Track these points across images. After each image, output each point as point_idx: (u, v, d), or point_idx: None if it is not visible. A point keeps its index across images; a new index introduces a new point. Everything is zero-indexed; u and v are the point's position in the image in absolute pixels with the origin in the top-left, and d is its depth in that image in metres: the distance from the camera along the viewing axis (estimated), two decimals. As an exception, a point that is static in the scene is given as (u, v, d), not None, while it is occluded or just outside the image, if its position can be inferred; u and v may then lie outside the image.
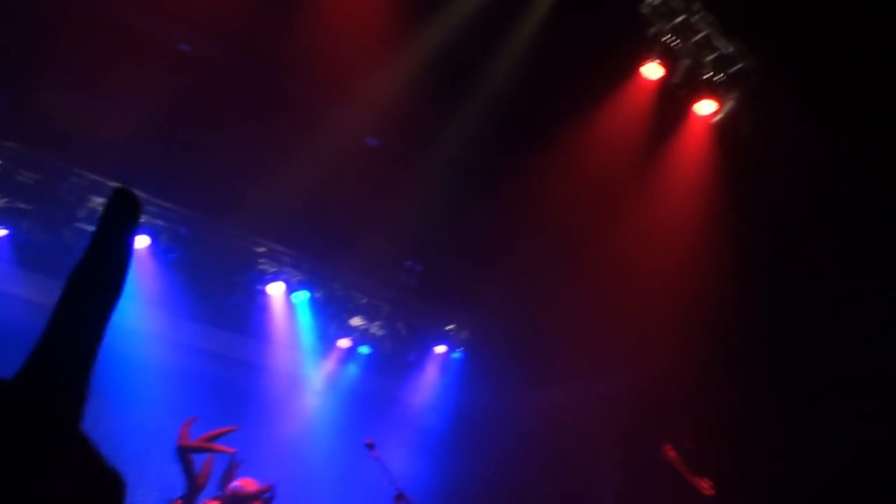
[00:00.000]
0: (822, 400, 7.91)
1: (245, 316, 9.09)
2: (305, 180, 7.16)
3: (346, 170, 7.43)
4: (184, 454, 4.79)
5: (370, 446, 5.25)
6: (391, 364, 10.30)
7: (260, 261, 8.83)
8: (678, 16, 6.62)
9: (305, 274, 9.09)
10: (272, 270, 8.91)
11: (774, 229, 7.32)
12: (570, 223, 7.58)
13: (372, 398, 10.28)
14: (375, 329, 9.91)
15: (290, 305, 9.29)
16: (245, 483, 5.16)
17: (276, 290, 9.05)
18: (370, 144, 7.48)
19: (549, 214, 7.59)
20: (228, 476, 5.16)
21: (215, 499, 5.04)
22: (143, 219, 7.90)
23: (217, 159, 7.10)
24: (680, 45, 6.77)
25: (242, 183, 7.22)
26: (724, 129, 7.20)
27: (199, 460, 4.91)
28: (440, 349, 10.50)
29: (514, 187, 7.56)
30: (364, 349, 10.05)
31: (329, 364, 10.06)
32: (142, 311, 8.31)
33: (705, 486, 8.57)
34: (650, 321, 7.77)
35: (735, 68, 6.91)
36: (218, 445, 4.92)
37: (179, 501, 4.52)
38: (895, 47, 6.52)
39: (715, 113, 7.14)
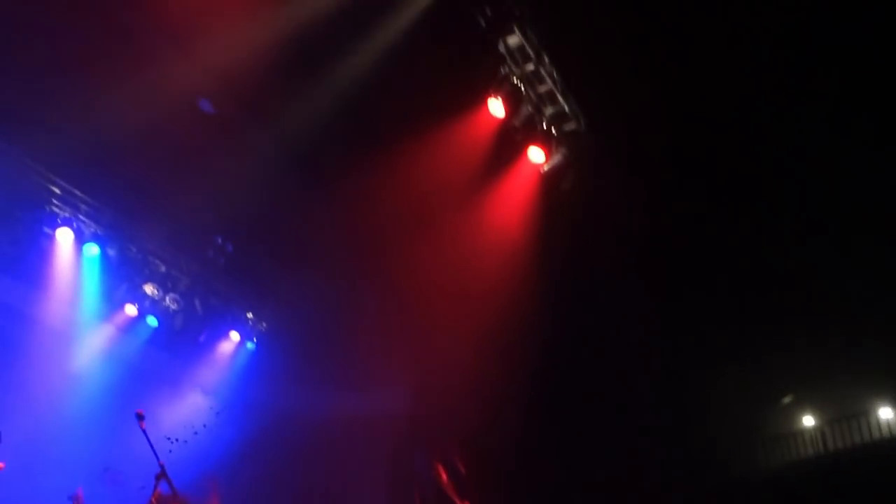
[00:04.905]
0: (596, 438, 8.57)
1: (23, 258, 8.22)
2: (122, 126, 6.63)
3: (170, 127, 6.98)
4: None
5: (140, 417, 5.09)
6: (179, 341, 9.77)
7: (53, 201, 8.05)
8: (529, 63, 6.97)
9: (102, 227, 8.40)
10: (64, 215, 8.14)
11: (578, 277, 7.88)
12: (388, 234, 7.67)
13: (151, 372, 9.67)
14: (169, 301, 9.35)
15: (79, 258, 8.54)
16: None
17: (65, 237, 8.28)
18: (203, 109, 7.09)
19: (369, 221, 7.63)
20: None
21: None
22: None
23: (21, 76, 6.36)
24: (526, 91, 7.12)
25: (48, 111, 6.53)
26: (548, 179, 7.64)
27: None
28: (235, 336, 10.12)
29: (343, 187, 7.53)
30: (152, 320, 9.44)
31: (110, 329, 9.33)
32: None
33: (466, 510, 8.93)
34: (442, 343, 8.01)
35: (568, 127, 7.38)
36: None
37: None
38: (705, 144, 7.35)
39: (543, 163, 7.57)
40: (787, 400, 12.47)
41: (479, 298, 7.80)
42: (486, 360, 7.86)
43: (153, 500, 4.90)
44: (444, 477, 9.14)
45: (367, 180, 7.24)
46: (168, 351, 9.80)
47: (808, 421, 12.73)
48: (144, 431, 5.07)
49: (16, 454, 4.96)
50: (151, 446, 4.99)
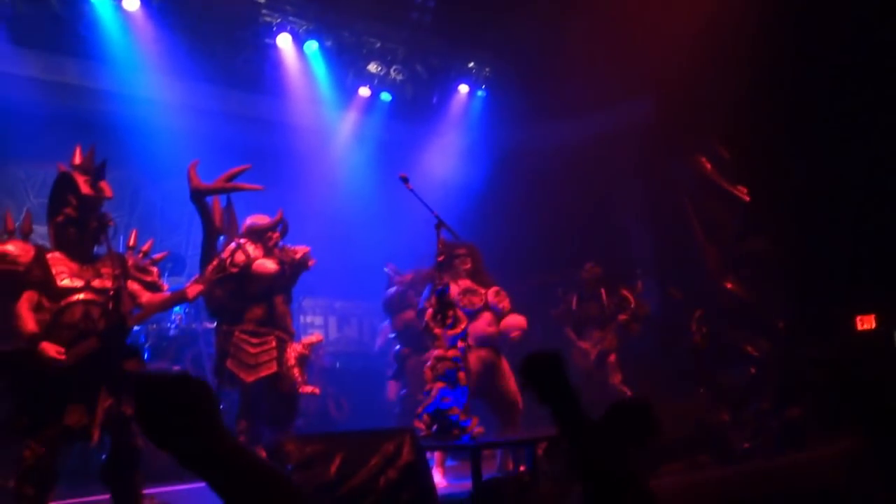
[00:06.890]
0: (848, 109, 7.71)
1: (259, 73, 8.81)
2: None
3: None
4: (199, 198, 4.89)
5: (404, 179, 5.25)
6: (415, 107, 10.09)
7: (263, 12, 8.34)
8: None
9: (311, 21, 8.61)
10: (277, 21, 8.45)
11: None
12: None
13: (399, 143, 10.22)
14: (394, 74, 9.57)
15: (304, 57, 8.94)
16: (257, 218, 5.31)
17: (284, 41, 8.65)
18: None
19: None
20: (231, 218, 5.26)
21: (238, 237, 5.21)
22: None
23: None
24: None
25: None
26: None
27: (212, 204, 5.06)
28: (463, 88, 10.22)
29: None
30: (385, 96, 9.80)
31: (352, 115, 9.91)
32: (154, 79, 8.10)
33: (741, 192, 8.69)
34: (668, 43, 7.35)
35: None
36: (239, 184, 5.00)
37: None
38: None
39: None
40: None
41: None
42: (722, 50, 7.10)
43: (439, 246, 5.20)
44: (709, 166, 8.85)
45: None
46: (408, 120, 10.22)
47: None
48: (412, 191, 5.22)
49: (314, 242, 5.58)
50: (422, 201, 5.19)
